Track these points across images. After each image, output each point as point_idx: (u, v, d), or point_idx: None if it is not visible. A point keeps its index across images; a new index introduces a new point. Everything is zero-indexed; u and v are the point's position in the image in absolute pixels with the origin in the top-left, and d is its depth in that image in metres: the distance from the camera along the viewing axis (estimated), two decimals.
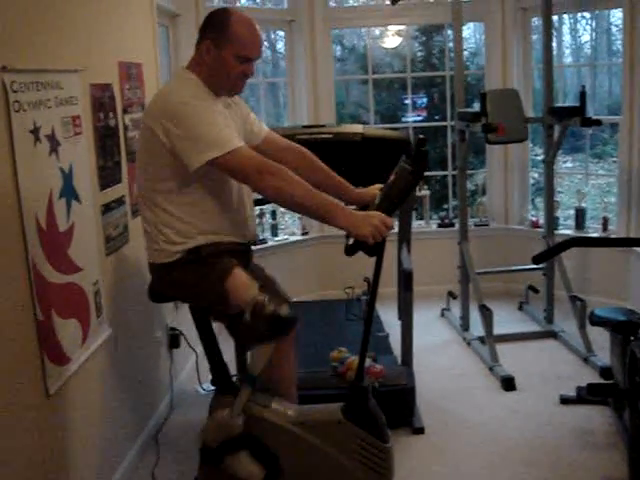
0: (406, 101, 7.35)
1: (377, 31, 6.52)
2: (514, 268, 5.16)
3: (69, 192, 2.60)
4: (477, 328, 4.64)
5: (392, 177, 2.54)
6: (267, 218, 5.56)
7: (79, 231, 2.66)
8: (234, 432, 2.53)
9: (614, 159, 6.74)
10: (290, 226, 6.20)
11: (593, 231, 5.36)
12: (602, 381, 3.88)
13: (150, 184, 2.51)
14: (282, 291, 2.74)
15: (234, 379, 2.83)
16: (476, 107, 4.49)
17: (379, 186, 2.67)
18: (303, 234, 5.71)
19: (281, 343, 2.54)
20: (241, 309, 2.43)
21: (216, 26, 2.46)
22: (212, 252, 2.51)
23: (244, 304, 2.42)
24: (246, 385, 2.55)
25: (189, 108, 2.36)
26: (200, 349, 2.79)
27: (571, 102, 5.19)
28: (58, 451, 2.50)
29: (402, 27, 6.21)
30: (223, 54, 2.45)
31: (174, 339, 3.91)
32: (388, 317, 4.62)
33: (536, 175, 6.17)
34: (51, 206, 2.44)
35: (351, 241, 2.38)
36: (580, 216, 5.36)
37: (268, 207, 5.32)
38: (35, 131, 2.33)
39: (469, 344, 4.66)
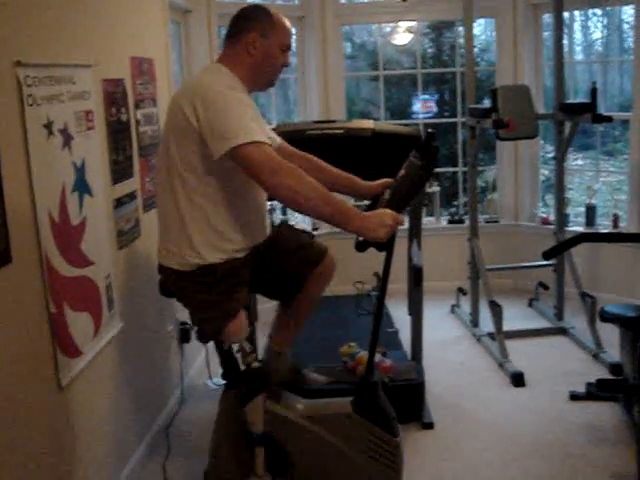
0: (417, 98, 7.34)
1: (388, 28, 6.51)
2: (524, 265, 5.16)
3: (81, 186, 2.62)
4: (487, 324, 4.65)
5: (402, 172, 2.50)
6: (277, 213, 5.57)
7: (91, 225, 2.68)
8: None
9: (625, 156, 6.70)
10: (300, 222, 6.19)
11: (603, 228, 5.34)
12: (612, 377, 3.89)
13: (175, 172, 2.41)
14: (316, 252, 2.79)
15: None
16: (486, 104, 4.49)
17: (388, 180, 2.63)
18: (313, 230, 5.72)
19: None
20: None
21: (259, 18, 2.47)
22: (227, 273, 2.48)
23: (229, 342, 2.59)
24: None
25: (221, 96, 2.32)
26: (210, 344, 2.80)
27: (582, 99, 5.16)
28: (69, 443, 2.52)
29: (413, 24, 6.20)
30: (271, 44, 2.47)
31: (185, 333, 3.93)
32: (398, 313, 4.63)
33: (546, 172, 6.16)
34: (64, 200, 2.46)
35: (362, 237, 2.38)
36: (590, 213, 5.35)
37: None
38: (48, 125, 2.35)
39: (479, 340, 4.67)
